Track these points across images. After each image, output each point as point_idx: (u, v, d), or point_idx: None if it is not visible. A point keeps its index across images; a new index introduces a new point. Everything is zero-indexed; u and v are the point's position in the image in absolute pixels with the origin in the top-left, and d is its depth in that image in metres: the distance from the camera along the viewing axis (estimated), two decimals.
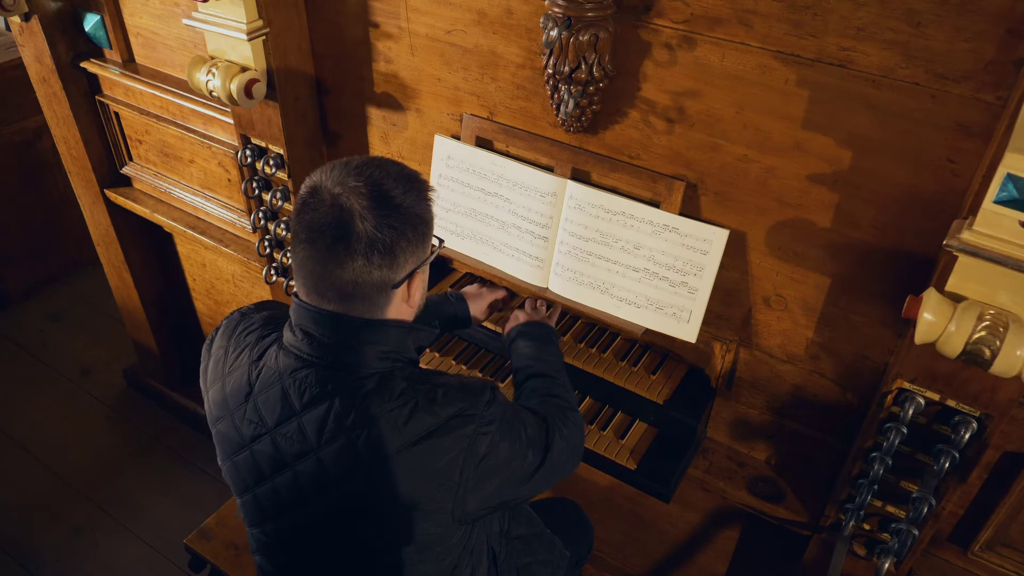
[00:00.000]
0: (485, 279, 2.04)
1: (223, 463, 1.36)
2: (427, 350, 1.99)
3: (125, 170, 2.70)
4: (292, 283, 2.31)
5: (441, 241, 1.37)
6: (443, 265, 2.10)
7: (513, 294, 1.98)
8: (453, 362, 1.99)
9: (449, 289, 1.97)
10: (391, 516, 1.23)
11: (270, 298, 2.60)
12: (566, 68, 1.54)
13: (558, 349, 1.69)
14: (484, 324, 1.91)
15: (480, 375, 1.95)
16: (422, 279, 1.29)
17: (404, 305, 1.28)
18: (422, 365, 1.90)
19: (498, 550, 1.57)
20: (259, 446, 1.27)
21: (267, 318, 1.39)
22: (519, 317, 1.77)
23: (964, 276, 1.18)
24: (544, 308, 1.86)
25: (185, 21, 1.91)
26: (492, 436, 1.23)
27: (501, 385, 1.91)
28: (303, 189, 1.21)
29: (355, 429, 1.19)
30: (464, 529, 1.32)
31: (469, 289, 1.92)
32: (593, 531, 2.01)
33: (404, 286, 1.25)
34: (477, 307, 1.86)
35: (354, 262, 1.17)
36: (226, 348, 1.37)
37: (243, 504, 1.35)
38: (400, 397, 1.21)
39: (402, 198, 1.19)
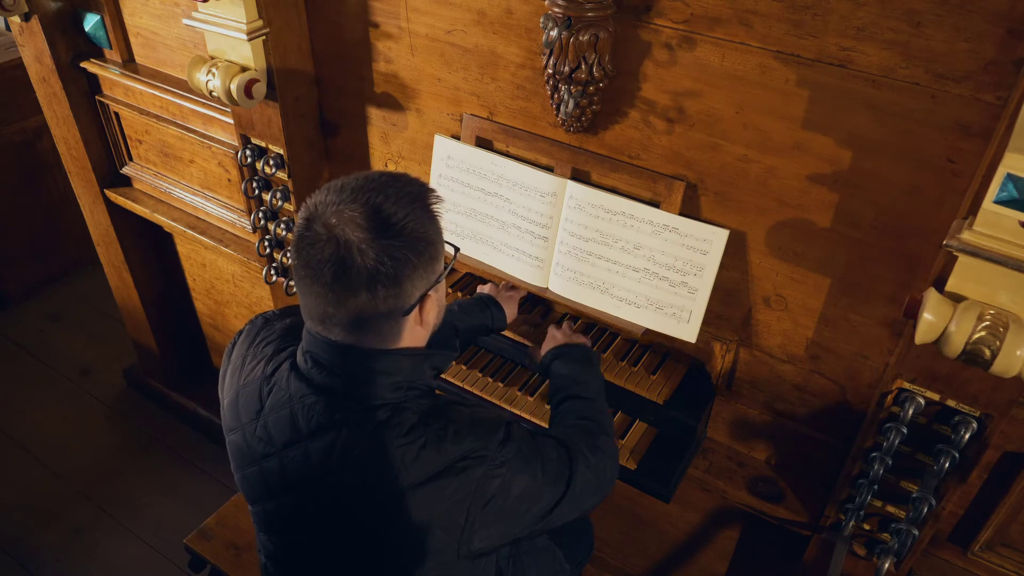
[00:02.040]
0: (485, 279, 2.04)
1: (235, 472, 1.35)
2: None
3: (125, 170, 2.70)
4: (294, 285, 2.31)
5: (457, 249, 1.31)
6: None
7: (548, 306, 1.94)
8: (464, 367, 1.97)
9: (478, 291, 1.92)
10: (395, 549, 1.20)
11: (270, 298, 2.60)
12: (566, 68, 1.54)
13: (598, 371, 1.63)
14: (503, 333, 1.88)
15: (492, 380, 1.94)
16: (436, 298, 1.23)
17: (418, 328, 1.22)
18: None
19: (505, 569, 1.54)
20: (268, 464, 1.26)
21: (288, 328, 1.36)
22: (557, 337, 1.71)
23: (964, 276, 1.18)
24: (579, 331, 1.78)
25: (185, 21, 1.91)
26: (503, 478, 1.18)
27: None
28: (299, 219, 1.16)
29: (361, 463, 1.16)
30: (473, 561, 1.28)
31: (494, 291, 1.88)
32: (593, 531, 2.01)
33: (416, 311, 1.19)
34: (510, 310, 1.84)
35: (357, 298, 1.11)
36: (244, 357, 1.34)
37: (253, 513, 1.35)
38: (410, 433, 1.16)
39: (404, 221, 1.12)
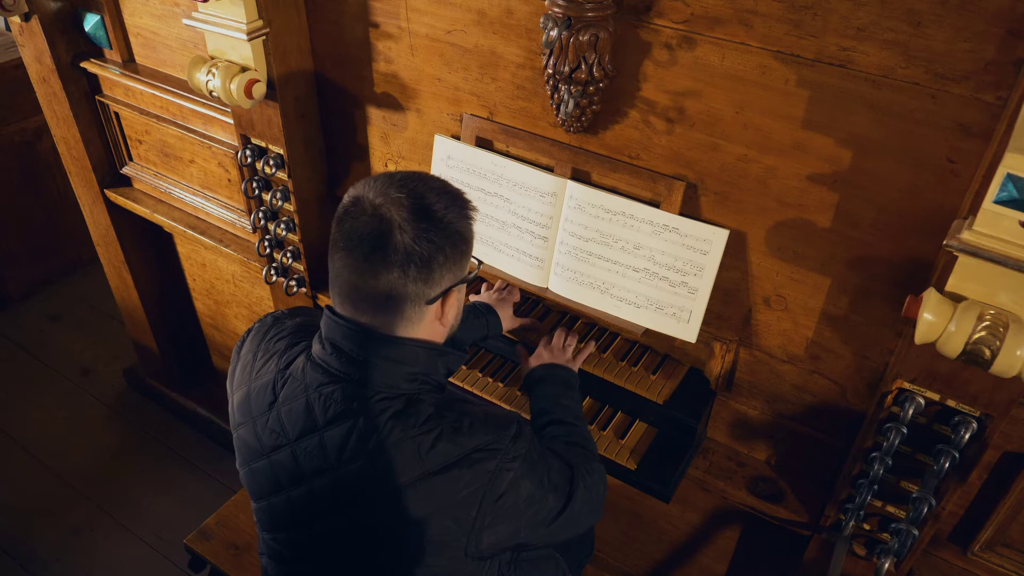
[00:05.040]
0: (484, 279, 2.04)
1: (241, 468, 1.35)
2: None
3: (125, 170, 2.70)
4: (292, 283, 2.31)
5: (480, 262, 1.36)
6: None
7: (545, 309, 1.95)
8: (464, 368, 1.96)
9: (471, 299, 1.93)
10: (403, 542, 1.21)
11: (270, 298, 2.61)
12: (566, 68, 1.54)
13: (578, 395, 1.68)
14: (503, 333, 1.89)
15: (492, 380, 1.94)
16: (457, 298, 1.27)
17: (437, 323, 1.26)
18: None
19: (508, 573, 1.56)
20: (278, 456, 1.26)
21: (299, 325, 1.37)
22: (543, 356, 1.75)
23: (964, 276, 1.18)
24: (572, 346, 1.80)
25: (185, 21, 1.91)
26: (515, 473, 1.21)
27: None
28: (345, 199, 1.21)
29: (376, 452, 1.18)
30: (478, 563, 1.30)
31: (489, 296, 1.89)
32: (594, 533, 2.01)
33: (438, 303, 1.23)
34: (505, 314, 1.85)
35: (390, 273, 1.16)
36: (255, 353, 1.35)
37: (257, 510, 1.35)
38: (425, 424, 1.19)
39: (443, 212, 1.19)
